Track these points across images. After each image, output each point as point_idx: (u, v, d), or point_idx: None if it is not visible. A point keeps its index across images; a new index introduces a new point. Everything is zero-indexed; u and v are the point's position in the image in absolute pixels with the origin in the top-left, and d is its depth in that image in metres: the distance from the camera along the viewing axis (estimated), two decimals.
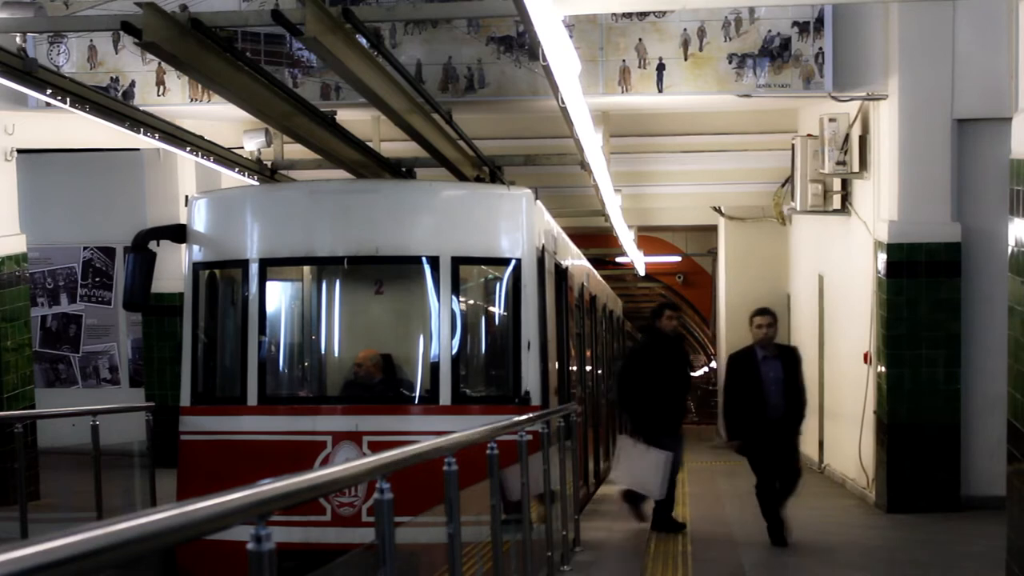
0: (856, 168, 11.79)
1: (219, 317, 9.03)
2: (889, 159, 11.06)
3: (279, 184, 12.48)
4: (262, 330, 8.59)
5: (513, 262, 8.53)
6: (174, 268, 11.64)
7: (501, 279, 8.67)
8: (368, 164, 10.84)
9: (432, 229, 8.65)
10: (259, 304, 8.56)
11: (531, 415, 7.49)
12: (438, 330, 8.40)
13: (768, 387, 9.21)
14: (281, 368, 9.11)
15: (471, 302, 9.16)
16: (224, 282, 8.98)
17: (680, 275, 28.85)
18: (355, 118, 11.39)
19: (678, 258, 27.43)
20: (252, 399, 8.44)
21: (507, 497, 6.26)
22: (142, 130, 10.36)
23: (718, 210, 21.06)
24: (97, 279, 15.60)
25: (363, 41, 7.84)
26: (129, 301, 8.92)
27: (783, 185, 15.65)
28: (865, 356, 11.82)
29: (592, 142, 10.21)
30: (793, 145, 12.86)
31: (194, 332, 8.80)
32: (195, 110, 11.76)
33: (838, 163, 11.83)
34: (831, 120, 11.78)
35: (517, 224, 8.61)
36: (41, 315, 15.44)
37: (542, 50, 6.74)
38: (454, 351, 8.40)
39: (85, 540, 1.95)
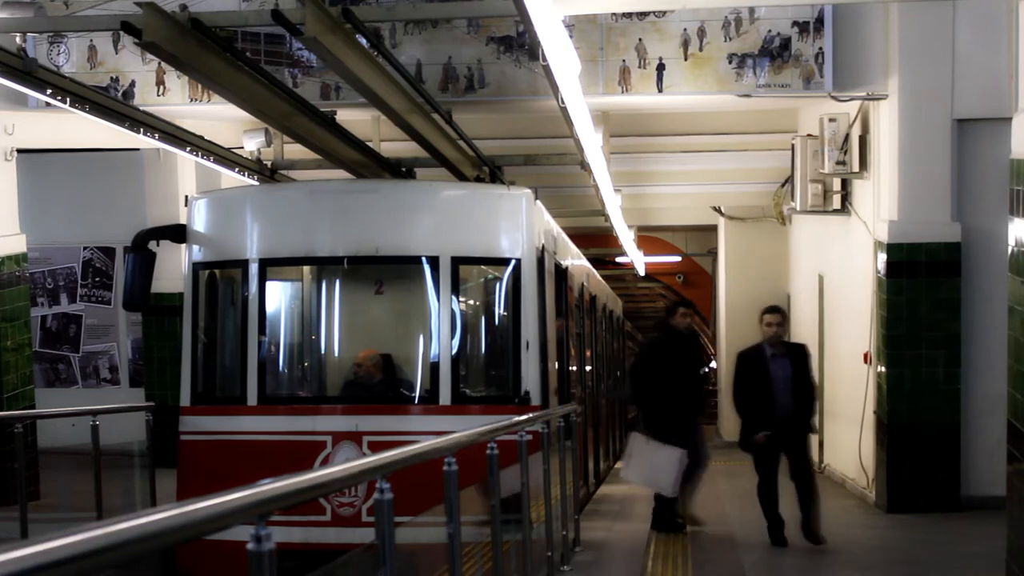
0: (856, 168, 11.78)
1: (219, 317, 9.03)
2: (889, 159, 11.06)
3: (279, 184, 12.48)
4: (262, 330, 8.59)
5: (513, 262, 8.53)
6: (174, 268, 11.64)
7: (501, 279, 8.67)
8: (368, 164, 10.84)
9: (432, 229, 8.65)
10: (259, 304, 8.56)
11: (531, 415, 7.48)
12: (438, 330, 8.40)
13: (777, 385, 9.15)
14: (281, 368, 9.11)
15: (471, 302, 9.16)
16: (224, 282, 8.98)
17: (680, 275, 28.85)
18: (355, 118, 11.39)
19: (678, 258, 27.44)
20: (252, 399, 8.43)
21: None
22: (142, 130, 10.36)
23: (718, 210, 21.06)
24: (97, 279, 15.60)
25: (363, 41, 7.84)
26: (129, 301, 8.92)
27: (783, 185, 15.65)
28: (865, 356, 11.82)
29: (592, 142, 10.22)
30: (793, 145, 12.86)
31: (194, 332, 8.80)
32: (195, 110, 11.77)
33: (838, 163, 11.83)
34: (831, 120, 11.78)
35: (517, 224, 8.61)
36: (41, 315, 15.44)
37: (542, 50, 6.74)
38: (454, 351, 8.40)
39: (85, 540, 1.95)
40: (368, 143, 11.04)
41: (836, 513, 11.03)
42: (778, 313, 9.51)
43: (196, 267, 8.86)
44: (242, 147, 12.75)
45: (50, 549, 1.86)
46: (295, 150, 12.10)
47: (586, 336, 13.08)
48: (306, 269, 9.06)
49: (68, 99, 9.02)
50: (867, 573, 8.75)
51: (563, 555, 8.16)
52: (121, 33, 8.70)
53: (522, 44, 11.05)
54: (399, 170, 11.48)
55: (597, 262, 18.86)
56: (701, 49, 11.03)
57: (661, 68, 11.07)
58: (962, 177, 10.85)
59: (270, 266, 8.68)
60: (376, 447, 7.71)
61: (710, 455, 10.43)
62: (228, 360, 8.83)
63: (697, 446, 9.99)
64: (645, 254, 22.82)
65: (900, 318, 10.89)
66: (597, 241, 21.74)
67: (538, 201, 8.87)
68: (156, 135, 10.60)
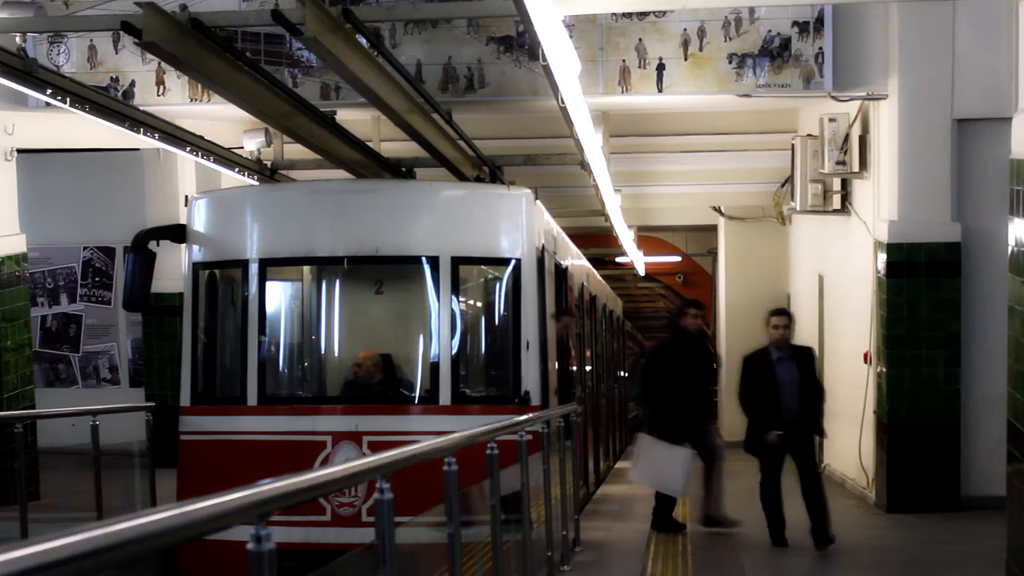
0: (856, 168, 11.78)
1: (219, 317, 9.03)
2: (889, 159, 11.06)
3: (279, 184, 12.48)
4: (262, 330, 8.59)
5: (513, 262, 8.53)
6: (174, 268, 11.64)
7: (501, 279, 8.67)
8: (368, 164, 10.84)
9: (432, 229, 8.65)
10: (259, 304, 8.56)
11: (531, 415, 7.48)
12: (438, 330, 8.40)
13: (784, 389, 9.06)
14: (281, 368, 9.11)
15: (471, 302, 9.16)
16: (224, 282, 8.98)
17: (680, 275, 28.85)
18: (355, 118, 11.39)
19: (678, 258, 27.44)
20: (252, 399, 8.44)
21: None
22: (142, 130, 10.36)
23: (718, 210, 21.06)
24: (97, 279, 15.60)
25: (363, 41, 7.84)
26: (129, 301, 8.92)
27: (783, 185, 15.64)
28: (865, 356, 11.82)
29: (592, 142, 10.22)
30: (793, 145, 12.85)
31: (194, 332, 8.80)
32: (195, 110, 11.77)
33: (838, 163, 11.83)
34: (831, 120, 11.78)
35: (517, 224, 8.61)
36: (41, 315, 15.44)
37: (542, 50, 6.74)
38: (454, 351, 8.40)
39: (85, 540, 1.95)
40: (368, 143, 11.04)
41: (836, 513, 11.00)
42: (785, 315, 9.43)
43: (196, 267, 8.86)
44: (242, 147, 12.75)
45: (50, 549, 1.86)
46: (295, 150, 12.10)
47: (586, 336, 13.08)
48: (306, 269, 9.06)
49: (68, 99, 9.02)
50: (867, 573, 8.75)
51: (563, 555, 8.16)
52: (121, 33, 8.70)
53: (522, 44, 11.05)
54: (399, 170, 11.48)
55: (597, 262, 18.86)
56: (701, 49, 11.03)
57: (661, 68, 11.07)
58: (962, 177, 10.85)
59: (270, 266, 8.68)
60: (376, 447, 7.71)
61: (722, 451, 10.29)
62: (228, 360, 8.84)
63: (708, 446, 9.92)
64: (645, 254, 22.82)
65: (900, 318, 10.89)
66: (597, 241, 21.74)
67: (538, 201, 8.87)
68: (156, 135, 10.60)
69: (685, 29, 11.01)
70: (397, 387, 8.76)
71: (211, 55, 7.48)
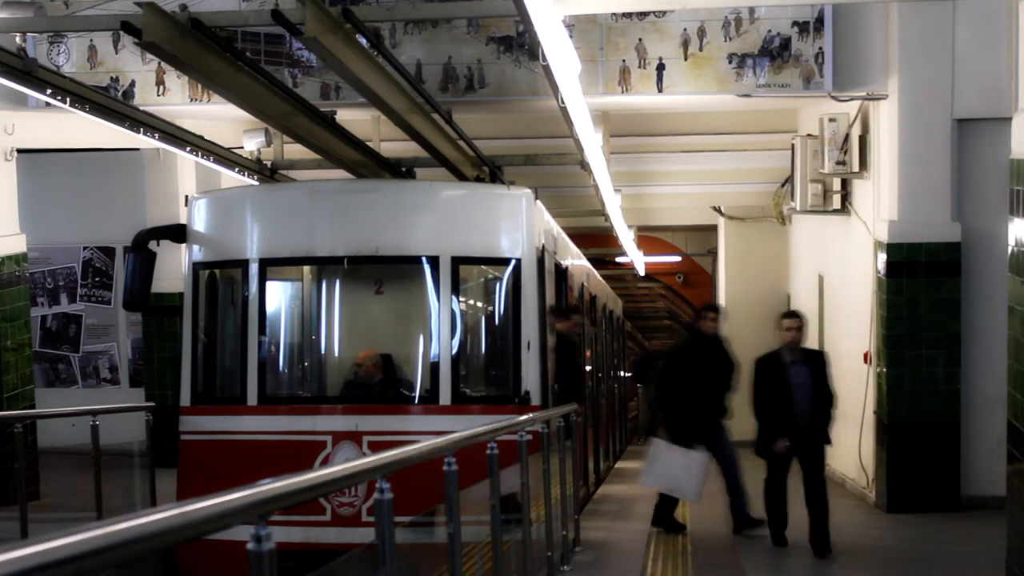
0: (856, 168, 11.79)
1: (219, 317, 9.03)
2: (889, 159, 11.06)
3: (279, 184, 12.48)
4: (262, 330, 8.59)
5: (513, 262, 8.53)
6: (174, 268, 11.64)
7: (501, 279, 8.67)
8: (368, 164, 10.84)
9: (432, 229, 8.65)
10: (259, 304, 8.56)
11: (531, 415, 7.48)
12: (438, 330, 8.40)
13: (796, 392, 8.93)
14: (281, 368, 9.11)
15: (471, 302, 9.16)
16: (224, 282, 8.98)
17: (680, 275, 28.83)
18: (355, 118, 11.39)
19: (678, 258, 27.42)
20: (252, 399, 8.44)
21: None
22: (142, 130, 10.36)
23: (718, 210, 21.06)
24: (97, 279, 15.60)
25: (363, 41, 7.84)
26: (129, 301, 8.92)
27: (783, 185, 15.65)
28: (865, 356, 11.82)
29: (592, 142, 10.22)
30: (793, 145, 12.86)
31: (194, 332, 8.80)
32: (195, 110, 11.77)
33: (838, 163, 11.83)
34: (831, 120, 11.78)
35: (517, 224, 8.61)
36: (41, 315, 15.44)
37: (542, 50, 6.74)
38: (454, 351, 8.40)
39: (85, 540, 1.95)
40: (368, 143, 11.04)
41: (836, 513, 11.01)
42: (797, 318, 9.30)
43: (196, 267, 8.86)
44: (242, 147, 12.75)
45: (50, 549, 1.86)
46: (295, 150, 12.10)
47: (586, 336, 13.07)
48: (306, 269, 9.06)
49: (68, 99, 9.02)
50: (867, 573, 8.75)
51: (563, 555, 8.15)
52: (121, 33, 8.70)
53: (522, 44, 11.05)
54: (399, 170, 11.48)
55: (597, 262, 18.85)
56: (701, 49, 11.04)
57: (661, 68, 11.07)
58: (962, 177, 10.85)
59: (270, 266, 8.68)
60: (376, 447, 7.71)
61: (737, 453, 10.06)
62: (228, 360, 8.83)
63: (723, 449, 9.75)
64: (645, 254, 22.81)
65: (900, 318, 10.89)
66: (597, 241, 21.73)
67: (538, 201, 8.87)
68: (156, 135, 10.60)
69: (685, 29, 11.01)
70: (397, 387, 8.76)
71: (211, 55, 7.48)
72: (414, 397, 8.69)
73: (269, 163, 12.87)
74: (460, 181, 11.13)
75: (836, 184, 12.60)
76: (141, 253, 8.72)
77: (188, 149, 11.42)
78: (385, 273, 8.96)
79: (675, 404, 9.76)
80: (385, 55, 8.26)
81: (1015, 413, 6.89)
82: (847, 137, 11.75)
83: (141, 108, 10.85)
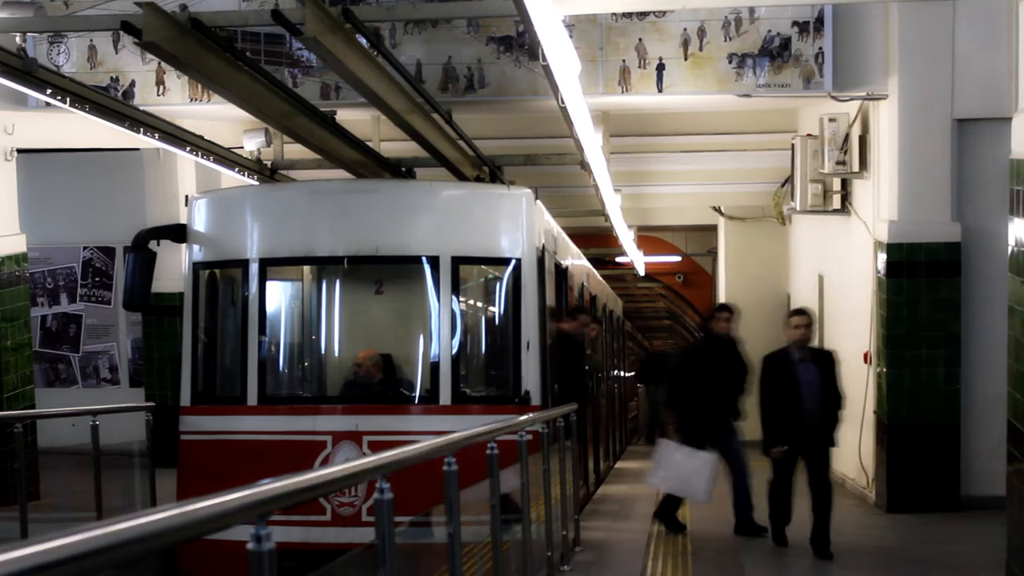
0: (856, 168, 11.79)
1: (219, 317, 9.03)
2: (889, 159, 11.06)
3: (279, 184, 12.48)
4: (262, 330, 8.59)
5: (513, 262, 8.53)
6: (174, 268, 11.64)
7: (501, 279, 8.67)
8: (368, 164, 10.84)
9: (432, 229, 8.65)
10: (259, 304, 8.56)
11: (531, 415, 7.48)
12: (438, 330, 8.40)
13: (804, 391, 8.84)
14: (281, 368, 9.11)
15: (471, 302, 9.16)
16: (224, 282, 8.98)
17: (680, 275, 28.83)
18: (355, 118, 11.39)
19: (678, 258, 27.42)
20: (252, 399, 8.44)
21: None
22: (142, 130, 10.36)
23: (718, 210, 21.06)
24: (97, 279, 15.60)
25: (363, 41, 7.84)
26: (129, 301, 8.93)
27: (783, 185, 15.65)
28: (865, 356, 11.82)
29: (592, 142, 10.21)
30: (793, 145, 12.86)
31: (194, 332, 8.80)
32: (195, 110, 11.77)
33: (838, 163, 11.83)
34: (831, 120, 11.78)
35: (517, 224, 8.61)
36: (41, 315, 15.44)
37: (542, 50, 6.74)
38: (454, 351, 8.40)
39: (85, 540, 1.95)
40: (368, 143, 11.04)
41: (836, 513, 11.01)
42: (805, 315, 9.21)
43: (196, 267, 8.86)
44: (242, 147, 12.75)
45: (50, 549, 1.86)
46: (295, 150, 12.10)
47: (586, 336, 13.06)
48: (306, 269, 9.06)
49: (68, 99, 9.02)
50: (867, 573, 8.75)
51: (563, 555, 8.15)
52: (121, 33, 8.70)
53: (522, 44, 11.05)
54: (399, 170, 11.49)
55: (597, 262, 18.86)
56: (701, 49, 11.04)
57: (661, 68, 11.07)
58: (962, 177, 10.85)
59: (270, 266, 8.69)
60: (376, 447, 7.72)
61: (748, 458, 9.92)
62: (228, 360, 8.84)
63: (733, 450, 9.63)
64: (645, 254, 22.81)
65: (900, 318, 10.89)
66: (597, 241, 21.73)
67: (538, 201, 8.87)
68: (156, 135, 10.60)
69: (685, 29, 11.01)
70: (397, 387, 8.76)
71: (211, 55, 7.48)
72: (414, 397, 8.69)
73: (269, 163, 12.87)
74: (460, 181, 11.13)
75: (836, 184, 12.60)
76: (141, 253, 8.73)
77: (188, 149, 11.42)
78: (385, 273, 8.96)
79: (687, 405, 9.66)
80: (385, 55, 8.26)
81: (1015, 413, 6.89)
82: (847, 137, 11.75)
83: (141, 108, 10.85)
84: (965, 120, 10.78)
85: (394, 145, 12.17)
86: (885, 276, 11.00)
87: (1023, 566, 6.68)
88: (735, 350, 9.77)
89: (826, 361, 9.13)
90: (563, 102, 8.26)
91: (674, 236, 26.43)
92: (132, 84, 11.48)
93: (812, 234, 15.62)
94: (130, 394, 15.05)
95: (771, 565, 8.81)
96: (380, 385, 8.57)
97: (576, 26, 10.71)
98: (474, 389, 8.74)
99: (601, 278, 17.06)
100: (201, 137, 11.59)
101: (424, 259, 8.51)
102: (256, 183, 12.50)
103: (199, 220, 8.88)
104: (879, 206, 11.39)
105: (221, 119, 12.74)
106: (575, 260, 12.10)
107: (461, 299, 8.67)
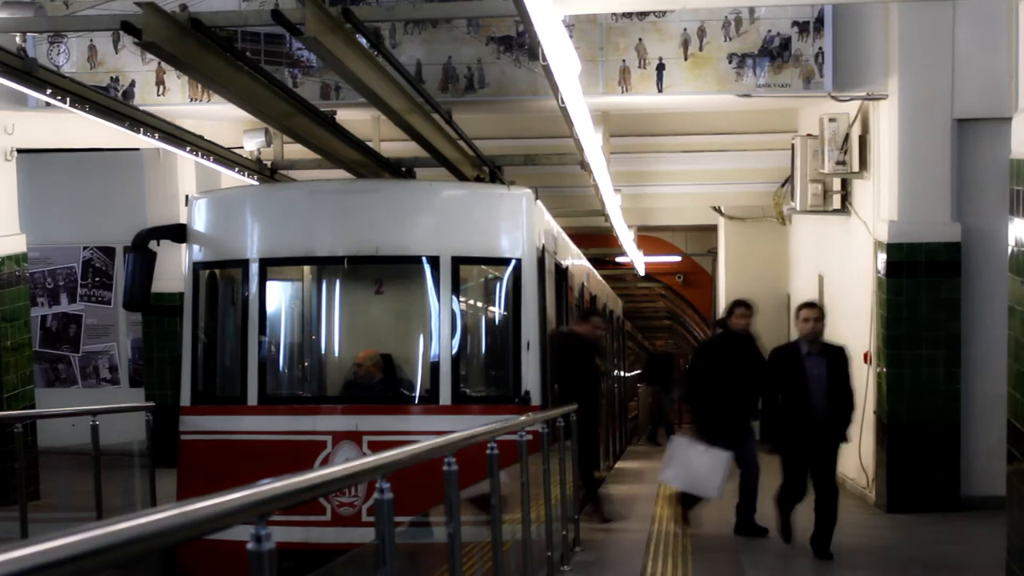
0: (856, 168, 11.79)
1: (219, 317, 9.03)
2: (889, 159, 11.06)
3: (279, 184, 12.48)
4: (262, 330, 8.59)
5: (513, 262, 8.53)
6: (174, 268, 11.64)
7: (501, 279, 8.67)
8: (368, 164, 10.84)
9: (432, 229, 8.65)
10: (259, 304, 8.56)
11: (531, 415, 7.48)
12: (438, 330, 8.40)
13: (812, 385, 8.67)
14: (281, 368, 9.11)
15: (471, 302, 9.16)
16: (224, 282, 8.98)
17: (680, 275, 28.85)
18: (355, 118, 11.39)
19: (678, 258, 27.43)
20: (252, 399, 8.44)
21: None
22: (142, 130, 10.36)
23: (718, 210, 21.06)
24: (97, 279, 15.60)
25: (363, 41, 7.84)
26: (129, 301, 8.93)
27: (783, 185, 15.65)
28: (865, 356, 11.81)
29: (592, 142, 10.21)
30: (793, 145, 12.86)
31: (194, 332, 8.80)
32: (195, 110, 11.77)
33: (838, 163, 11.83)
34: (831, 120, 11.78)
35: (517, 224, 8.61)
36: (41, 315, 15.44)
37: (542, 50, 6.74)
38: (454, 351, 8.40)
39: (85, 540, 1.95)
40: (368, 143, 11.04)
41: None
42: (815, 308, 9.05)
43: (196, 267, 8.86)
44: (242, 147, 12.75)
45: (50, 549, 1.86)
46: (295, 150, 12.10)
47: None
48: (306, 269, 9.06)
49: (68, 99, 9.02)
50: (867, 573, 8.74)
51: (563, 555, 8.16)
52: (121, 33, 8.70)
53: (522, 44, 11.05)
54: (399, 170, 11.48)
55: (597, 262, 18.86)
56: (701, 49, 11.04)
57: (661, 68, 11.07)
58: (962, 177, 10.85)
59: (270, 266, 8.68)
60: (376, 447, 7.71)
61: (760, 463, 9.79)
62: (228, 360, 8.84)
63: (747, 452, 9.52)
64: (645, 254, 22.81)
65: (900, 318, 10.89)
66: (597, 241, 21.73)
67: (538, 201, 8.87)
68: (156, 135, 10.60)
69: (685, 29, 11.01)
70: (397, 387, 8.76)
71: (211, 55, 7.48)
72: (414, 397, 8.69)
73: (269, 163, 12.87)
74: (460, 181, 11.13)
75: (836, 184, 12.60)
76: (141, 253, 8.73)
77: (188, 149, 11.42)
78: (385, 273, 8.96)
79: (702, 400, 9.60)
80: (385, 55, 8.26)
81: (1015, 413, 6.89)
82: (847, 137, 11.75)
83: (141, 108, 10.85)
84: (965, 120, 10.78)
85: (394, 145, 12.17)
86: (885, 276, 11.00)
87: (1023, 566, 6.68)
88: (753, 346, 9.64)
89: (836, 356, 8.90)
90: (563, 102, 8.26)
91: (674, 236, 26.44)
92: (132, 84, 11.48)
93: (812, 234, 15.62)
94: (130, 394, 15.05)
95: (771, 565, 8.81)
96: (380, 385, 8.57)
97: (576, 26, 10.71)
98: (474, 389, 8.74)
99: (601, 278, 17.07)
100: (201, 137, 11.59)
101: (424, 259, 8.51)
102: (256, 183, 12.50)
103: (199, 220, 8.88)
104: (879, 206, 11.39)
105: (221, 119, 12.74)
106: (575, 260, 12.10)
107: (461, 299, 8.67)
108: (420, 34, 11.24)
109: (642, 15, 10.98)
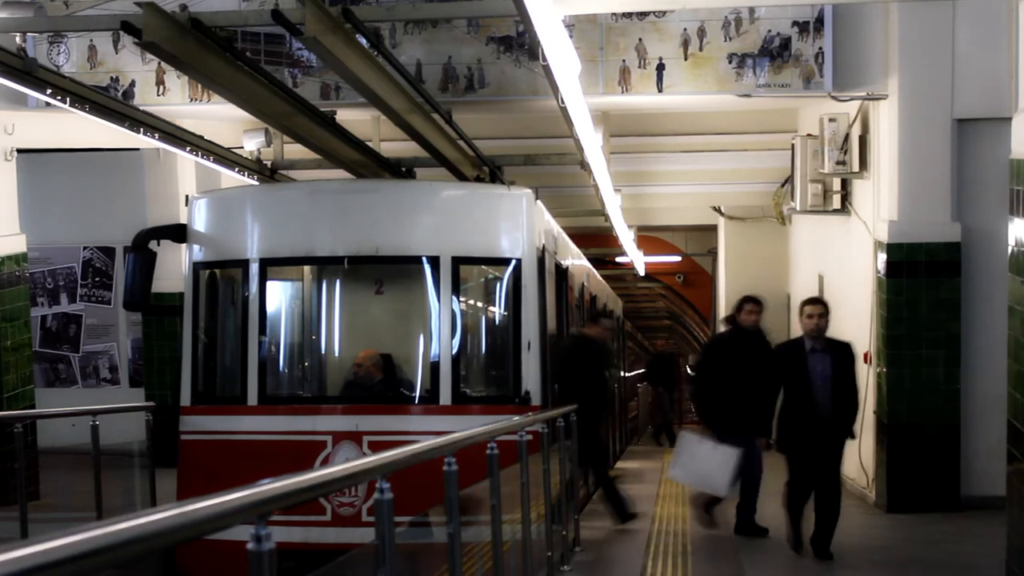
0: (856, 168, 11.79)
1: (219, 317, 9.03)
2: (889, 159, 11.06)
3: (279, 184, 12.48)
4: (262, 330, 8.60)
5: (513, 262, 8.53)
6: (174, 268, 11.64)
7: (501, 279, 8.67)
8: (368, 164, 10.84)
9: (432, 229, 8.65)
10: (259, 304, 8.57)
11: (531, 415, 7.48)
12: (438, 330, 8.41)
13: (815, 382, 8.57)
14: (281, 368, 9.11)
15: (471, 302, 9.16)
16: (224, 282, 8.99)
17: (680, 275, 28.85)
18: (355, 118, 11.39)
19: (678, 258, 27.43)
20: (252, 399, 8.44)
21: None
22: (142, 130, 10.36)
23: (718, 210, 21.06)
24: (97, 279, 15.60)
25: (363, 41, 7.84)
26: (129, 301, 8.93)
27: (783, 185, 15.65)
28: (865, 356, 11.81)
29: (592, 142, 10.21)
30: (793, 145, 12.86)
31: (194, 332, 8.80)
32: (195, 110, 11.77)
33: (838, 163, 11.83)
34: (831, 120, 11.78)
35: (517, 224, 8.61)
36: (41, 315, 15.44)
37: (542, 50, 6.74)
38: (454, 351, 8.41)
39: (85, 540, 1.95)
40: (368, 143, 11.04)
41: None
42: (820, 304, 8.90)
43: (196, 267, 8.86)
44: (242, 147, 12.76)
45: (50, 549, 1.85)
46: (295, 150, 12.10)
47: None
48: (306, 269, 9.07)
49: (68, 99, 9.02)
50: (867, 573, 8.74)
51: (563, 555, 8.16)
52: (121, 33, 8.70)
53: (522, 44, 11.05)
54: (399, 170, 11.49)
55: (597, 262, 18.86)
56: (701, 49, 11.04)
57: (661, 68, 11.07)
58: (962, 177, 10.85)
59: (270, 266, 8.69)
60: (376, 447, 7.72)
61: (763, 465, 9.76)
62: (228, 360, 8.84)
63: (752, 453, 9.42)
64: (645, 254, 22.82)
65: (900, 318, 10.89)
66: (597, 241, 21.73)
67: (538, 201, 8.87)
68: (156, 135, 10.60)
69: (685, 29, 11.01)
70: (397, 387, 8.76)
71: (211, 55, 7.48)
72: (414, 397, 8.70)
73: (269, 163, 12.87)
74: (460, 181, 11.13)
75: (836, 184, 12.60)
76: (141, 253, 8.73)
77: (188, 149, 11.42)
78: (385, 273, 8.96)
79: (712, 396, 9.55)
80: (385, 55, 8.26)
81: (1015, 413, 6.89)
82: (847, 137, 11.75)
83: (141, 108, 10.85)
84: (965, 120, 10.78)
85: (394, 145, 12.17)
86: (885, 276, 11.00)
87: (1023, 566, 6.68)
88: (763, 341, 9.58)
89: (842, 353, 8.77)
90: (563, 102, 8.26)
91: (674, 236, 26.44)
92: (132, 84, 11.48)
93: (812, 234, 15.62)
94: (130, 394, 15.05)
95: (771, 565, 8.81)
96: (380, 385, 8.57)
97: (576, 26, 10.71)
98: (474, 389, 8.74)
99: (601, 278, 17.07)
100: (201, 137, 11.59)
101: (424, 259, 8.52)
102: (256, 183, 12.50)
103: (199, 220, 8.89)
104: (879, 206, 11.39)
105: (221, 119, 12.74)
106: (575, 260, 12.10)
107: (461, 299, 8.68)
108: (420, 34, 11.24)
109: (642, 15, 10.98)
